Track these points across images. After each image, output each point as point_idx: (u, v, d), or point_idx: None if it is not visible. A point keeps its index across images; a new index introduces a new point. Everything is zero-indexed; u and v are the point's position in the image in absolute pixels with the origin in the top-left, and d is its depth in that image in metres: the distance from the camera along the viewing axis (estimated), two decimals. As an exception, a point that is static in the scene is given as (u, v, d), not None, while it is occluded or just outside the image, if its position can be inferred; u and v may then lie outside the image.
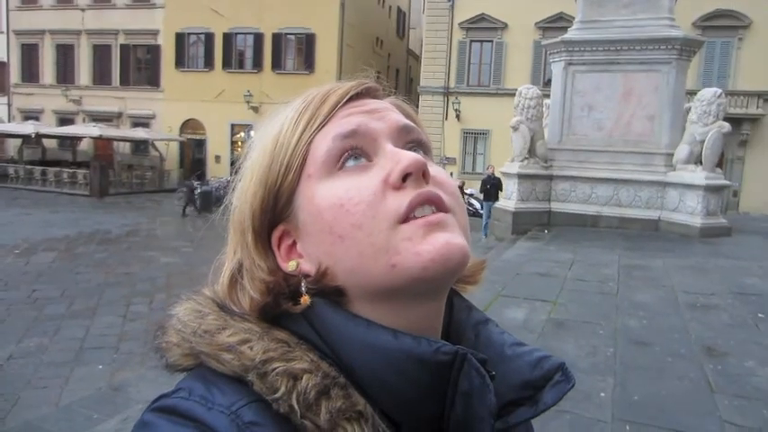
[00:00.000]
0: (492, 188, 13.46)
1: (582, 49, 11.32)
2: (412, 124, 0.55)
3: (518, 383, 0.55)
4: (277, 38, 25.07)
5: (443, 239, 0.48)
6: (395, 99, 0.59)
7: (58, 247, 11.27)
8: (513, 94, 11.87)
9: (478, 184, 15.59)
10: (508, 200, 11.64)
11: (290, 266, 0.51)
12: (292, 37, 25.06)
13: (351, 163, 0.51)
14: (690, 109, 10.62)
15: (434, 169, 0.52)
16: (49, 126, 26.36)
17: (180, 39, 26.52)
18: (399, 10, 32.55)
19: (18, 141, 26.43)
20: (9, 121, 28.19)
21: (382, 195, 0.49)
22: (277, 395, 0.44)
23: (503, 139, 17.74)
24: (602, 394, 3.64)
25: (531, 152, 11.29)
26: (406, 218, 0.48)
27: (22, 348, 5.75)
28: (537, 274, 7.11)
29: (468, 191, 19.63)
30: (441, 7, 22.61)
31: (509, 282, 6.57)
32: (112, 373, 5.19)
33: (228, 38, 25.78)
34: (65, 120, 28.36)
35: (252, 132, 0.58)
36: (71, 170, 22.86)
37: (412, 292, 0.49)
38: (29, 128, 24.23)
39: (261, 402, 0.45)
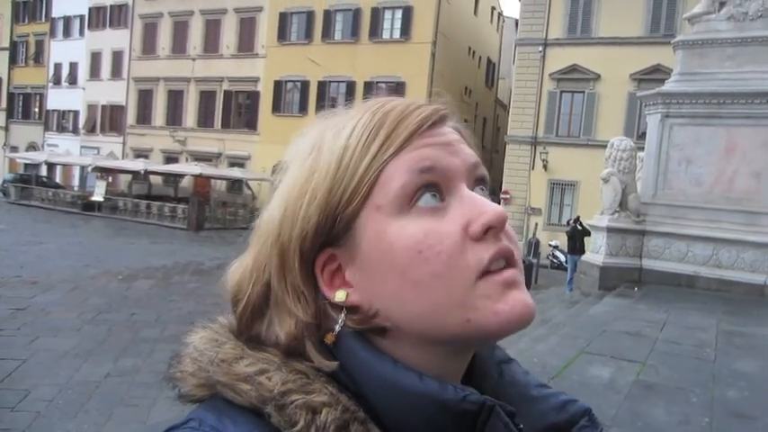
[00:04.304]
0: (578, 241, 12.96)
1: (680, 101, 10.89)
2: (479, 160, 0.53)
3: (543, 428, 0.54)
4: (368, 86, 26.06)
5: (521, 300, 0.47)
6: (456, 122, 0.54)
7: (156, 276, 12.07)
8: (604, 146, 11.56)
9: (564, 236, 15.13)
10: (596, 254, 11.17)
11: (337, 297, 0.48)
12: (383, 85, 25.96)
13: (425, 200, 0.47)
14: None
15: None
16: (156, 164, 28.73)
17: (278, 86, 28.33)
18: (489, 60, 32.94)
19: (129, 177, 28.95)
20: (123, 158, 31.17)
21: (462, 246, 0.46)
22: (295, 428, 0.43)
23: (591, 191, 17.17)
24: (696, 468, 3.36)
25: (623, 205, 10.87)
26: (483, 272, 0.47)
27: (119, 367, 6.16)
28: (625, 332, 6.73)
29: (552, 242, 19.07)
30: (532, 58, 22.66)
31: (594, 338, 6.26)
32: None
33: (323, 85, 27.16)
34: (170, 158, 30.93)
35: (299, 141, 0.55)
36: (172, 205, 24.61)
37: (473, 344, 0.48)
38: (139, 165, 26.52)
39: None
